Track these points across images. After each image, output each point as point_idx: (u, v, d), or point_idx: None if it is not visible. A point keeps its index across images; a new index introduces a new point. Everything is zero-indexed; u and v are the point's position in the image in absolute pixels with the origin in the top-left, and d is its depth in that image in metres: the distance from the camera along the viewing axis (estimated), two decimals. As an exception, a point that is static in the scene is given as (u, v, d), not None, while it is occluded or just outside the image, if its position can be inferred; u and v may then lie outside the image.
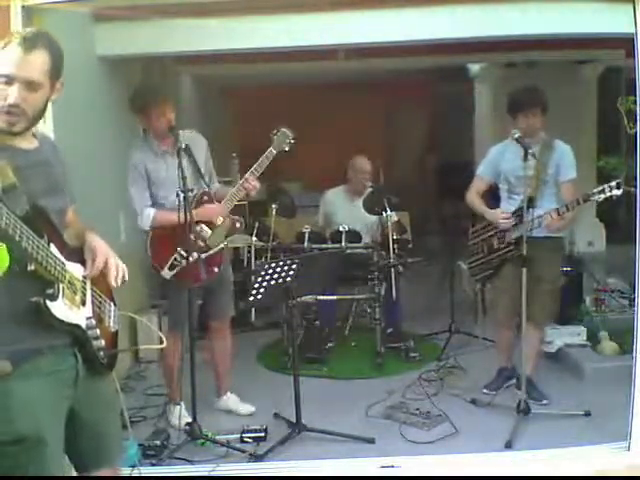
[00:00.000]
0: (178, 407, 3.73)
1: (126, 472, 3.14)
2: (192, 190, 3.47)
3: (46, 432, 1.86)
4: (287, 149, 3.72)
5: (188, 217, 3.34)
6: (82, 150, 3.97)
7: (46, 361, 1.89)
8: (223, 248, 3.71)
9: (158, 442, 3.43)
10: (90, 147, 4.20)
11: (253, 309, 5.15)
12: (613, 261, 6.27)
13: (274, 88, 8.95)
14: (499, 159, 3.97)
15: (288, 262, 3.54)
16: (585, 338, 4.59)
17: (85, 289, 2.05)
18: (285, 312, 4.36)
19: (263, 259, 4.88)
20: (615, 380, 3.49)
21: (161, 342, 2.40)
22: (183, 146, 3.50)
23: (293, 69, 6.90)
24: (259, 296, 3.48)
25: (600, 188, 3.43)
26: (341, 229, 4.87)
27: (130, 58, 4.84)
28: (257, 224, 5.26)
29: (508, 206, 3.90)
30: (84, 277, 2.05)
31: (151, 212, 3.63)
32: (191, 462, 3.33)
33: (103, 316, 2.14)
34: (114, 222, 4.62)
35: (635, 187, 3.09)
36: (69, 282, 1.94)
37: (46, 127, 2.94)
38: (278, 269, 3.49)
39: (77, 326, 1.96)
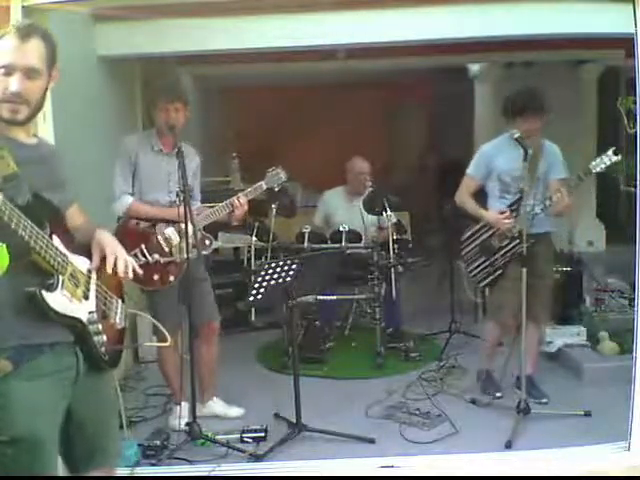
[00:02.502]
0: (178, 407, 3.71)
1: (126, 472, 3.14)
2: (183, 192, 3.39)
3: (43, 434, 1.84)
4: (277, 189, 3.87)
5: (188, 216, 3.33)
6: (82, 150, 3.97)
7: (47, 360, 1.87)
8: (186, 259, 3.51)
9: (158, 442, 3.43)
10: (90, 147, 4.20)
11: (253, 309, 5.15)
12: (613, 261, 6.26)
13: (274, 88, 8.94)
14: (492, 158, 3.89)
15: (288, 262, 3.54)
16: (585, 338, 4.58)
17: (89, 283, 2.01)
18: (285, 312, 4.35)
19: (263, 259, 4.87)
20: (615, 380, 3.50)
21: (165, 340, 2.34)
22: (183, 149, 3.51)
23: (293, 69, 6.89)
24: (259, 296, 3.47)
25: (598, 159, 3.49)
26: (341, 229, 4.86)
27: (130, 58, 4.84)
28: (257, 224, 5.25)
29: (500, 206, 3.83)
30: (89, 271, 2.02)
31: (130, 199, 3.61)
32: (191, 462, 3.33)
33: (109, 312, 2.10)
34: (113, 221, 4.61)
35: (635, 187, 3.10)
36: (71, 275, 1.90)
37: (46, 126, 2.95)
38: (278, 269, 3.48)
39: (77, 319, 1.92)
